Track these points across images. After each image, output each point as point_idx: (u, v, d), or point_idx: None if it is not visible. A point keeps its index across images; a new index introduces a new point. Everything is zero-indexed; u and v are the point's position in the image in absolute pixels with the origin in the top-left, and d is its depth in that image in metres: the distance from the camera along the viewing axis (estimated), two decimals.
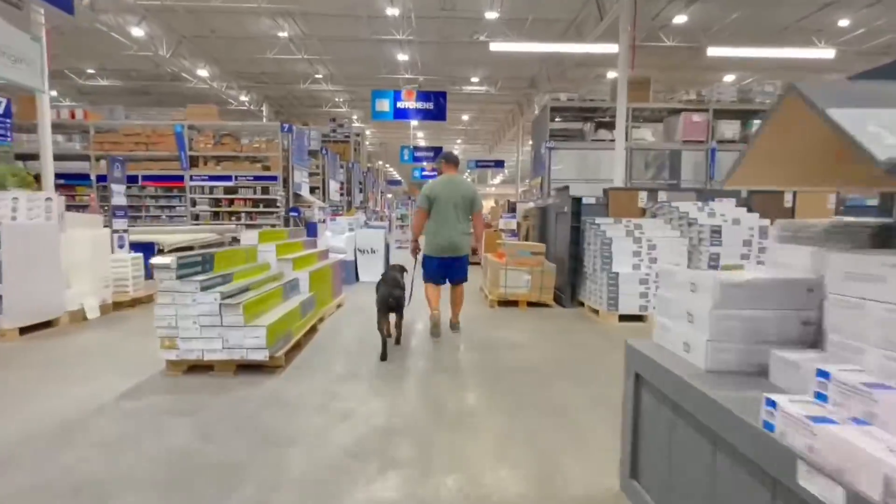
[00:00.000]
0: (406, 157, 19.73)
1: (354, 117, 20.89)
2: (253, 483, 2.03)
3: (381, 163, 28.18)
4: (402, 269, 4.24)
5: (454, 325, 4.56)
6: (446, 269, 4.34)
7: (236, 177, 10.30)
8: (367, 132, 24.61)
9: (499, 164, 21.98)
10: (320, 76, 15.54)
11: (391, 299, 3.73)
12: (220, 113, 12.06)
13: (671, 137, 11.05)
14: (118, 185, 6.11)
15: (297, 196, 10.34)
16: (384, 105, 13.81)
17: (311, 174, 13.93)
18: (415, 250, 4.44)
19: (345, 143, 17.79)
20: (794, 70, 12.90)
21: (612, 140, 9.74)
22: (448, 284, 4.47)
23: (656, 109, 11.27)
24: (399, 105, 13.75)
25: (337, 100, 18.69)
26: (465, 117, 21.08)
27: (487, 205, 18.63)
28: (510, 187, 28.44)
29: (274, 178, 10.27)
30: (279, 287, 3.96)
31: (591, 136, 11.19)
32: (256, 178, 10.29)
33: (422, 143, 25.20)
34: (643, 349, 1.79)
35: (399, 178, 36.39)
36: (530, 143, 21.45)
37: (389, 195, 39.80)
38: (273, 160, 10.25)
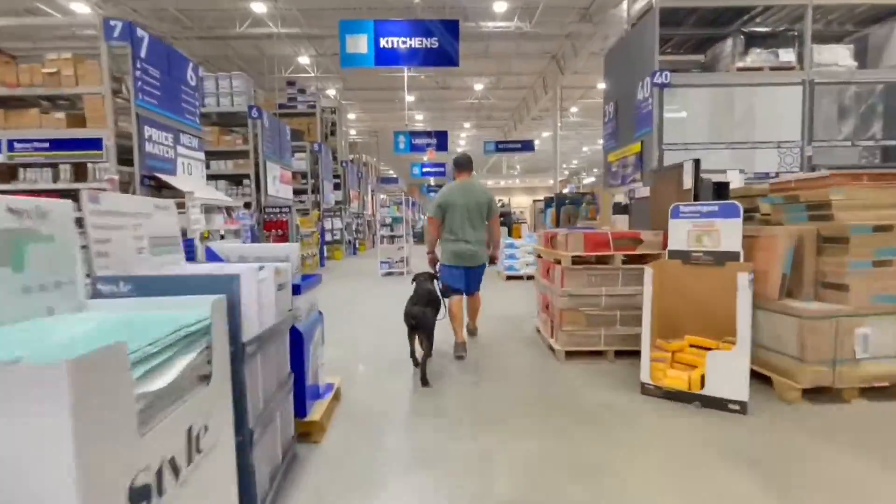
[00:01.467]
0: (402, 147, 14.52)
1: (332, 92, 15.60)
2: None
3: (368, 157, 22.84)
4: (433, 277, 3.83)
5: (473, 331, 4.37)
6: (466, 279, 3.96)
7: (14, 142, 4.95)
8: (351, 115, 19.27)
9: (527, 145, 16.51)
10: (263, 10, 10.19)
11: (411, 318, 3.26)
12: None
13: (879, 62, 5.80)
14: None
15: (158, 179, 4.97)
16: (359, 44, 8.52)
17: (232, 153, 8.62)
18: (433, 261, 4.18)
19: (308, 117, 12.43)
20: None
21: (778, 66, 5.51)
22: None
23: (858, 11, 5.93)
24: (383, 43, 8.46)
25: (300, 61, 13.35)
26: (479, 86, 15.70)
27: (523, 202, 13.24)
28: (536, 178, 22.45)
29: (95, 144, 4.87)
30: None
31: (733, 60, 5.80)
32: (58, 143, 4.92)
33: (420, 128, 19.83)
34: None
35: (394, 175, 31.10)
36: (573, 112, 15.77)
37: (383, 195, 33.87)
38: (92, 104, 4.81)
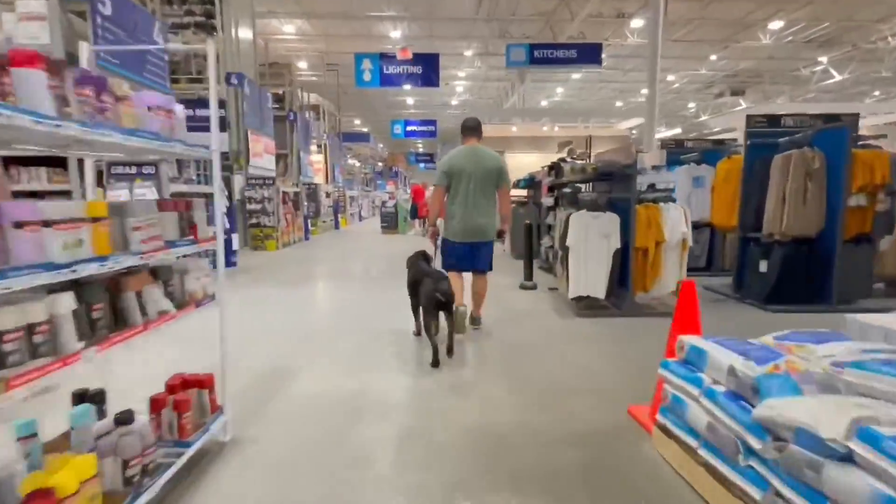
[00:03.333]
0: (368, 78, 12.48)
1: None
2: None
3: (322, 101, 18.19)
4: (426, 257, 3.62)
5: (476, 319, 3.89)
6: (471, 257, 3.69)
7: None
8: (289, 27, 14.05)
9: (588, 52, 10.24)
10: None
11: (439, 294, 3.07)
12: None
13: None
14: None
15: None
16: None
17: None
18: (434, 234, 3.90)
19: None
20: None
21: None
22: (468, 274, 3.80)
23: None
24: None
25: None
26: None
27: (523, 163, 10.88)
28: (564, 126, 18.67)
29: None
30: None
31: None
32: None
33: (395, 51, 12.97)
34: None
35: (364, 131, 27.63)
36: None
37: (354, 161, 29.29)
38: None
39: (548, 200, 6.76)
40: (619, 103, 22.42)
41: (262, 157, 10.73)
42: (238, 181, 9.79)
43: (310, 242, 11.61)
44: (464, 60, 19.78)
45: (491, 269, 3.82)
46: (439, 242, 3.83)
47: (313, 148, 16.11)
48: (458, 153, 3.70)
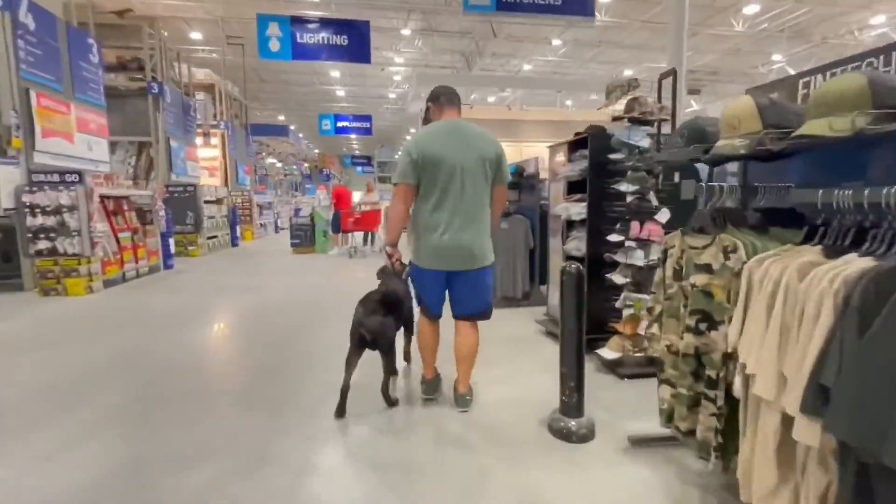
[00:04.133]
0: (276, 49, 9.97)
1: None
2: None
3: (218, 80, 14.14)
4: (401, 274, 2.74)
5: (461, 398, 2.55)
6: (459, 294, 2.49)
7: None
8: None
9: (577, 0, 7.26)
10: None
11: (364, 331, 2.39)
12: None
13: None
14: None
15: None
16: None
17: None
18: (398, 262, 2.62)
19: None
20: None
21: None
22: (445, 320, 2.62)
23: None
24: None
25: None
26: None
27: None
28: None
29: None
30: None
31: None
32: None
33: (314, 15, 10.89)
34: None
35: (281, 123, 22.92)
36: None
37: (273, 160, 23.72)
38: None
39: (573, 209, 3.44)
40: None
41: (74, 137, 6.58)
42: (7, 177, 5.60)
43: (167, 274, 7.51)
44: (401, 40, 16.44)
45: (490, 314, 2.55)
46: (407, 272, 2.66)
47: (199, 139, 11.86)
48: (434, 132, 2.42)
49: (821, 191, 1.33)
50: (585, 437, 2.22)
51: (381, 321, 2.42)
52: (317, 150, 31.73)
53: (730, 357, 1.54)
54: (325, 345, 3.60)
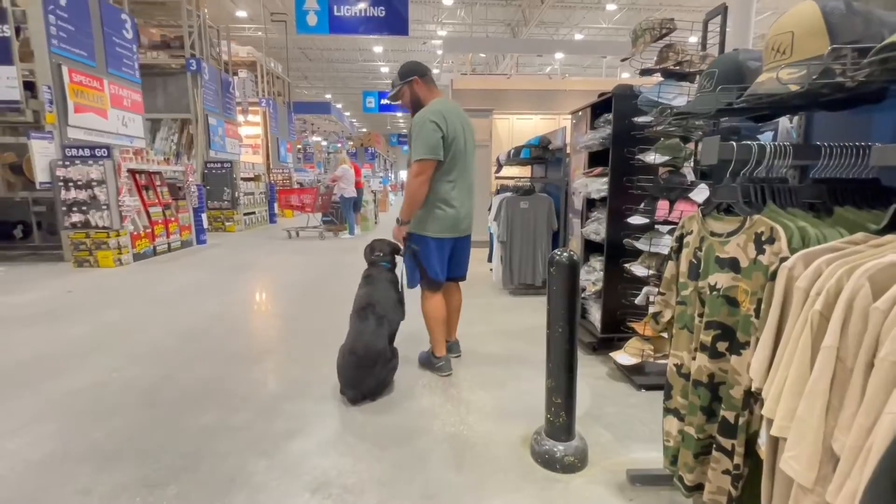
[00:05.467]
0: (313, 23, 9.84)
1: None
2: None
3: (256, 55, 14.00)
4: (394, 252, 2.72)
5: (455, 345, 2.92)
6: (457, 256, 2.72)
7: None
8: None
9: None
10: None
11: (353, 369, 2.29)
12: None
13: None
14: None
15: None
16: None
17: None
18: (401, 235, 2.59)
19: None
20: None
21: None
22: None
23: None
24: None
25: None
26: None
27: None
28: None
29: None
30: None
31: None
32: None
33: None
34: None
35: (326, 101, 22.99)
36: None
37: (318, 138, 23.99)
38: None
39: (593, 185, 2.91)
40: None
41: (108, 113, 6.72)
42: (42, 151, 5.79)
43: (199, 249, 7.65)
44: (443, 11, 15.73)
45: None
46: (408, 245, 2.58)
47: (240, 117, 12.02)
48: (449, 109, 2.50)
49: None
50: (572, 466, 1.79)
51: (377, 351, 2.32)
52: (363, 129, 31.84)
53: (755, 397, 1.05)
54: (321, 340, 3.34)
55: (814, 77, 0.93)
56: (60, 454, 1.90)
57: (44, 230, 7.26)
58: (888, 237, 0.85)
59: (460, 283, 2.83)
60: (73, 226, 5.92)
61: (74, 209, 5.90)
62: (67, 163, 5.86)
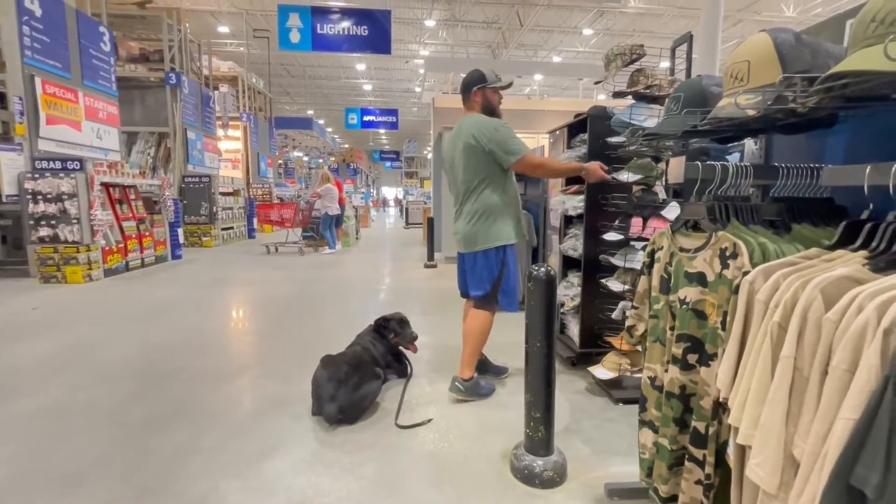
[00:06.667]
0: (296, 40, 9.97)
1: None
2: None
3: (238, 69, 14.08)
4: (403, 323, 2.84)
5: (452, 380, 2.53)
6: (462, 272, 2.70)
7: None
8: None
9: None
10: None
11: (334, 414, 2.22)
12: None
13: None
14: None
15: None
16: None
17: None
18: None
19: None
20: None
21: None
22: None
23: None
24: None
25: None
26: None
27: None
28: None
29: None
30: None
31: None
32: None
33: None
34: None
35: (308, 116, 22.90)
36: None
37: (299, 153, 24.03)
38: None
39: (570, 202, 2.98)
40: None
41: (82, 126, 6.58)
42: (10, 163, 5.61)
43: (174, 264, 7.46)
44: (425, 32, 16.07)
45: (484, 299, 2.52)
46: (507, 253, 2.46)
47: (220, 131, 11.91)
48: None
49: (868, 167, 0.86)
50: (551, 481, 1.79)
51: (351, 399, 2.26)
52: (346, 145, 31.88)
53: (723, 407, 1.08)
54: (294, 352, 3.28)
55: (769, 103, 1.00)
56: (18, 478, 1.80)
57: (9, 244, 6.98)
58: (838, 252, 0.90)
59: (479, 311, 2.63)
60: (41, 240, 5.72)
61: (43, 223, 5.71)
62: (37, 175, 5.69)
